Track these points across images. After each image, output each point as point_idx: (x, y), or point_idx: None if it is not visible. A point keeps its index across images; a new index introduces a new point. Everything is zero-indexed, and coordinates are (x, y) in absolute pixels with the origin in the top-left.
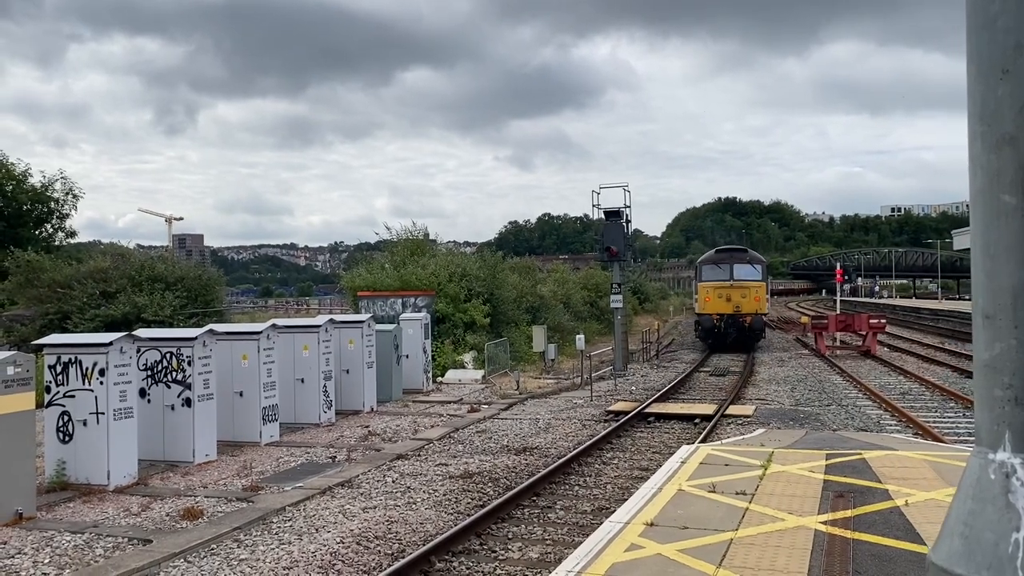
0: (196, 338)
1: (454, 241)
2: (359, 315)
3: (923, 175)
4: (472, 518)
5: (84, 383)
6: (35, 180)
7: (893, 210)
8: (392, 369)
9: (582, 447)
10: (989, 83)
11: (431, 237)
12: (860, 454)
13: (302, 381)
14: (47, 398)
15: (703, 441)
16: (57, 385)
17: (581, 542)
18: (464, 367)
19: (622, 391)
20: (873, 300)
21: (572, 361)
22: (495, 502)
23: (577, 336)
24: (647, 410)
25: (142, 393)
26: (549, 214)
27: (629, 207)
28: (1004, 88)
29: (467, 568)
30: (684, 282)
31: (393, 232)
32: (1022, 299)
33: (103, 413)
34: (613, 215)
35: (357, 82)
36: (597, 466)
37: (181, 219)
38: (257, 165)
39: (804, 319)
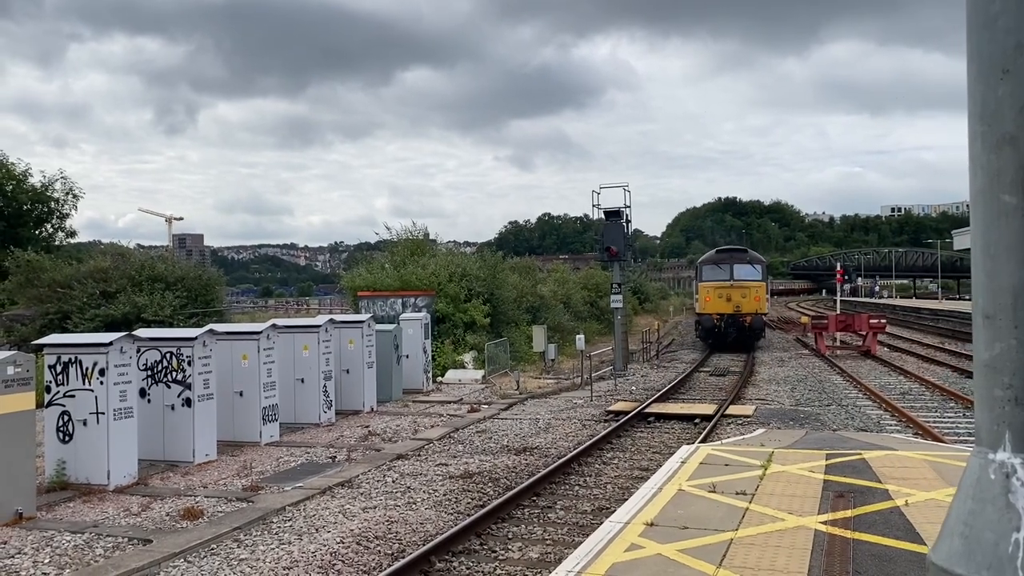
0: (196, 338)
1: (454, 241)
2: (359, 315)
3: (923, 175)
4: (472, 518)
5: (84, 383)
6: (35, 180)
7: (893, 210)
8: (392, 369)
9: (582, 447)
10: (989, 83)
11: (431, 237)
12: (860, 454)
13: (302, 381)
14: (47, 398)
15: (703, 441)
16: (57, 385)
17: (581, 542)
18: (464, 367)
19: (622, 391)
20: (873, 300)
21: (572, 361)
22: (495, 502)
23: (577, 336)
24: (647, 410)
25: (142, 393)
26: (549, 214)
27: (629, 207)
28: (1004, 88)
29: (467, 568)
30: (684, 282)
31: (393, 232)
32: (1022, 299)
33: (103, 413)
34: (613, 215)
35: (357, 82)
36: (597, 466)
37: (181, 219)
38: (257, 165)
39: (804, 319)
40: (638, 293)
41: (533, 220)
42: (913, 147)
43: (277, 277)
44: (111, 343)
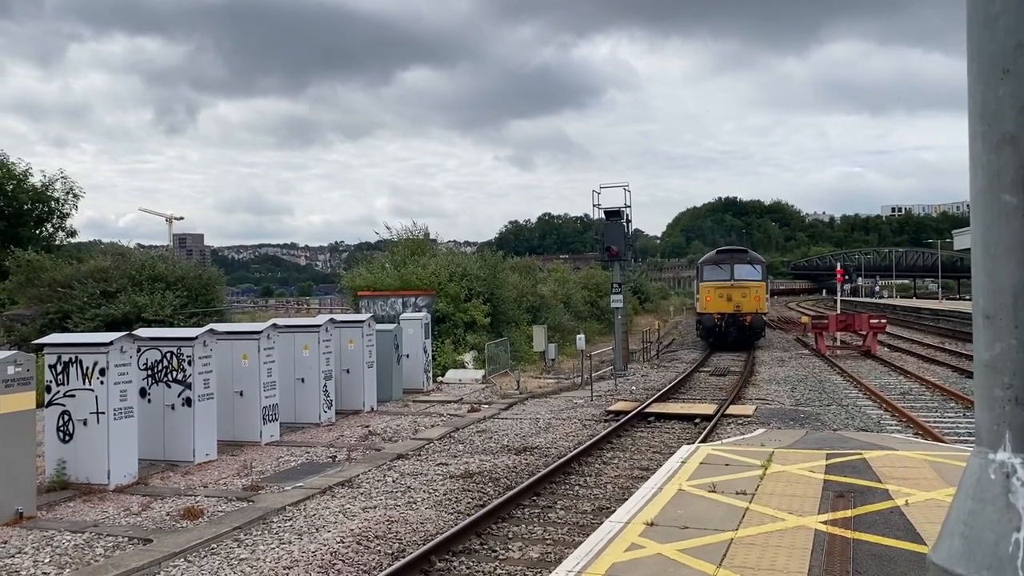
0: (196, 338)
1: (454, 241)
2: (359, 315)
3: (923, 175)
4: (472, 518)
5: (84, 383)
6: (35, 180)
7: (893, 210)
8: (392, 369)
9: (582, 447)
10: (990, 83)
11: (431, 237)
12: (860, 454)
13: (302, 381)
14: (47, 397)
15: (703, 441)
16: (57, 384)
17: (581, 542)
18: (464, 367)
19: (622, 391)
20: (873, 300)
21: (572, 361)
22: (495, 502)
23: (577, 336)
24: (647, 410)
25: (142, 393)
26: (549, 214)
27: (629, 207)
28: (1005, 88)
29: (467, 568)
30: (684, 282)
31: (393, 232)
32: (1022, 299)
33: (103, 413)
34: (613, 215)
35: (357, 82)
36: (597, 466)
37: (181, 219)
38: (257, 165)
39: (804, 319)
40: (638, 293)
41: (533, 220)
42: (913, 147)
43: (277, 277)
44: (111, 343)
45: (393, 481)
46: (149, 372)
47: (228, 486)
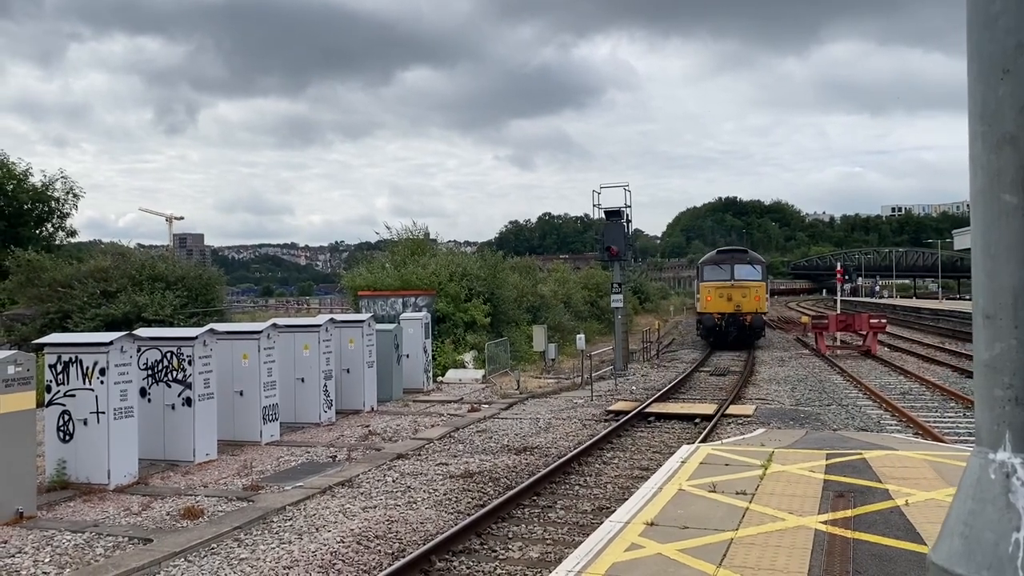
0: (196, 337)
1: (455, 240)
2: (359, 314)
3: (923, 175)
4: (472, 517)
5: (85, 382)
6: (36, 179)
7: (893, 210)
8: (392, 369)
9: (582, 447)
10: (990, 83)
11: (431, 236)
12: (860, 454)
13: (302, 380)
14: (47, 397)
15: (703, 441)
16: (58, 384)
17: (581, 542)
18: (464, 367)
19: (622, 391)
20: (873, 300)
21: (572, 361)
22: (495, 502)
23: (577, 336)
24: (647, 410)
25: (142, 392)
26: (549, 214)
27: (629, 207)
28: (1005, 88)
29: (467, 568)
30: (684, 282)
31: (393, 231)
32: (1022, 299)
33: (103, 412)
34: (613, 215)
35: (357, 81)
36: (597, 466)
37: (182, 218)
38: (258, 164)
39: (804, 319)
40: (638, 293)
41: (533, 220)
42: (913, 147)
43: (277, 276)
44: (111, 342)
45: (393, 481)
46: (149, 372)
47: (228, 486)
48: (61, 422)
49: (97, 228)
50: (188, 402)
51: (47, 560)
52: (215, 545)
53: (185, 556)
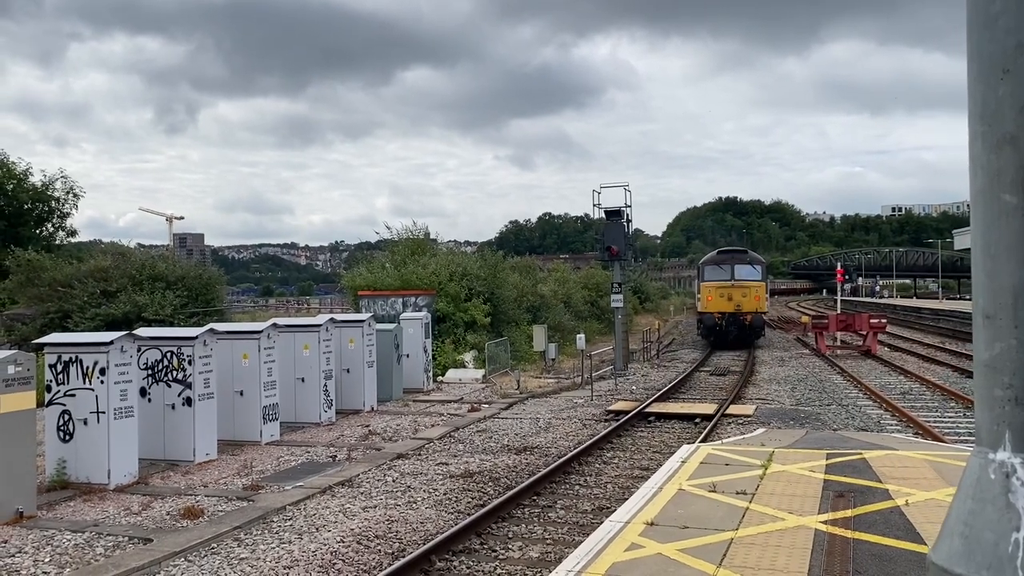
0: (197, 337)
1: (455, 240)
2: (359, 314)
3: (924, 175)
4: (472, 517)
5: (85, 382)
6: (36, 179)
7: (894, 210)
8: (392, 368)
9: (582, 446)
10: (990, 83)
11: (432, 236)
12: (860, 454)
13: (302, 380)
14: (48, 397)
15: (703, 441)
16: (58, 384)
17: (581, 541)
18: (464, 366)
19: (622, 390)
20: (874, 300)
21: (572, 360)
22: (495, 501)
23: (577, 335)
24: (647, 410)
25: (143, 392)
26: (550, 213)
27: (630, 207)
28: (1005, 88)
29: (467, 567)
30: (685, 281)
31: (394, 231)
32: (1022, 299)
33: (103, 412)
34: (614, 214)
35: (357, 81)
36: (597, 465)
37: (182, 218)
38: (258, 164)
39: (805, 319)
40: (639, 293)
41: (533, 220)
42: (913, 147)
43: (278, 276)
44: (112, 342)
45: (393, 481)
46: (149, 372)
47: (228, 486)
48: (61, 422)
49: (97, 228)
50: (188, 402)
51: (47, 560)
52: (215, 545)
53: (185, 556)
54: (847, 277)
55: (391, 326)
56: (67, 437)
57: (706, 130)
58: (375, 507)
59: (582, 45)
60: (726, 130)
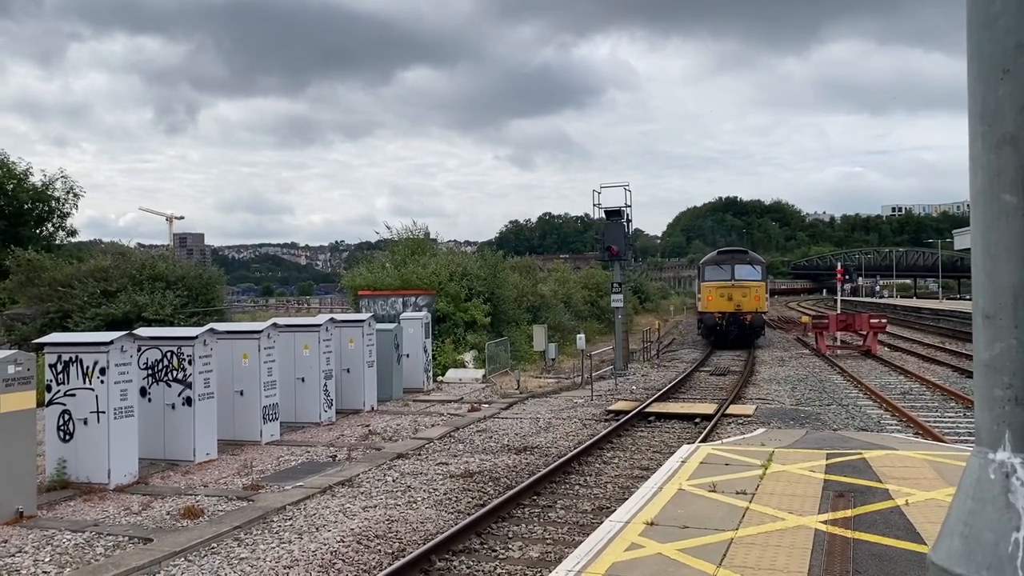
0: (197, 337)
1: (455, 240)
2: (360, 314)
3: (924, 175)
4: (472, 517)
5: (85, 382)
6: (36, 179)
7: (894, 210)
8: (393, 368)
9: (582, 446)
10: (990, 83)
11: (432, 236)
12: (860, 454)
13: (303, 380)
14: (48, 397)
15: (703, 440)
16: (58, 384)
17: (581, 541)
18: (465, 366)
19: (622, 390)
20: (874, 300)
21: (573, 360)
22: (495, 501)
23: (578, 335)
24: (647, 409)
25: (143, 392)
26: (550, 213)
27: (630, 206)
28: (1005, 88)
29: (467, 567)
30: (685, 281)
31: (394, 231)
32: (1022, 299)
33: (104, 412)
34: (614, 214)
35: (357, 81)
36: (597, 465)
37: (182, 218)
38: (258, 164)
39: (805, 319)
40: (639, 292)
41: (534, 219)
42: (913, 147)
43: (278, 276)
44: (112, 342)
45: (393, 480)
46: (149, 371)
47: (228, 485)
48: (61, 421)
49: (97, 228)
50: (188, 402)
51: (47, 559)
52: (215, 545)
53: (185, 556)
54: (847, 277)
55: (391, 326)
56: (67, 437)
57: (706, 130)
58: (375, 507)
59: (582, 45)
60: (726, 130)
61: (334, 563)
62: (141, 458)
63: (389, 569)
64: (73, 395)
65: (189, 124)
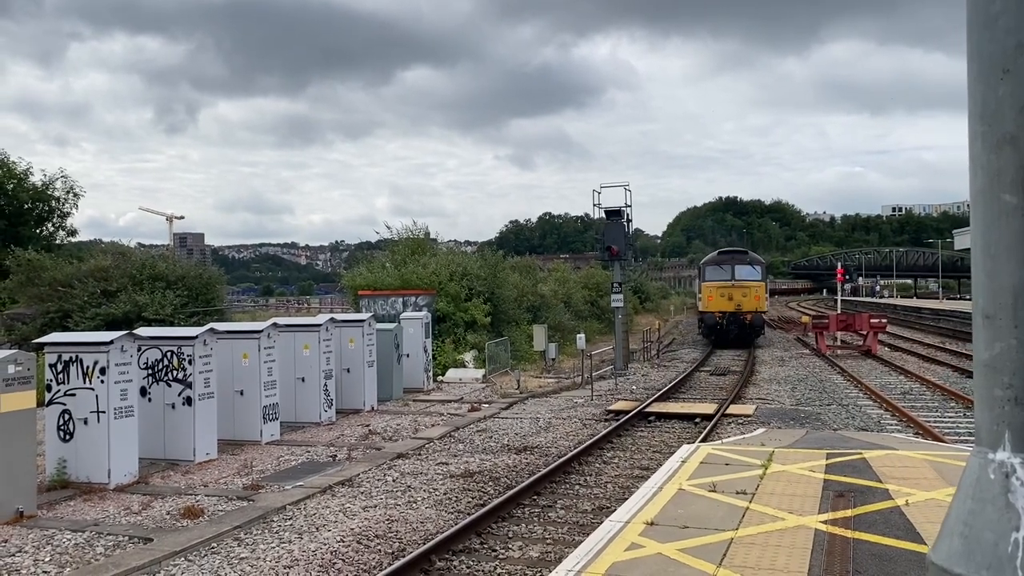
0: (197, 337)
1: (455, 240)
2: (360, 314)
3: (924, 175)
4: (472, 517)
5: (85, 382)
6: (36, 179)
7: (894, 210)
8: (393, 368)
9: (583, 446)
10: (990, 83)
11: (432, 236)
12: (860, 454)
13: (303, 380)
14: (48, 396)
15: (703, 440)
16: (58, 384)
17: (581, 541)
18: (465, 366)
19: (623, 390)
20: (874, 300)
21: (573, 360)
22: (495, 501)
23: (578, 335)
24: (648, 409)
25: (143, 392)
26: (550, 213)
27: (630, 206)
28: (1005, 88)
29: (467, 567)
30: (685, 281)
31: (394, 231)
32: (1022, 299)
33: (104, 412)
34: (614, 214)
35: (358, 81)
36: (597, 465)
37: (182, 218)
38: (258, 164)
39: (805, 319)
40: (639, 292)
41: (534, 219)
42: (914, 147)
43: (278, 276)
44: (112, 342)
45: (393, 480)
46: (149, 371)
47: (228, 485)
48: (61, 421)
49: (97, 227)
50: (188, 401)
51: (47, 559)
52: (215, 544)
53: (185, 555)
54: (847, 277)
55: (391, 326)
56: (67, 436)
57: (706, 130)
58: (375, 507)
59: (582, 45)
60: (726, 130)
61: (334, 563)
62: (141, 458)
63: (389, 569)
64: (73, 395)
65: (189, 124)
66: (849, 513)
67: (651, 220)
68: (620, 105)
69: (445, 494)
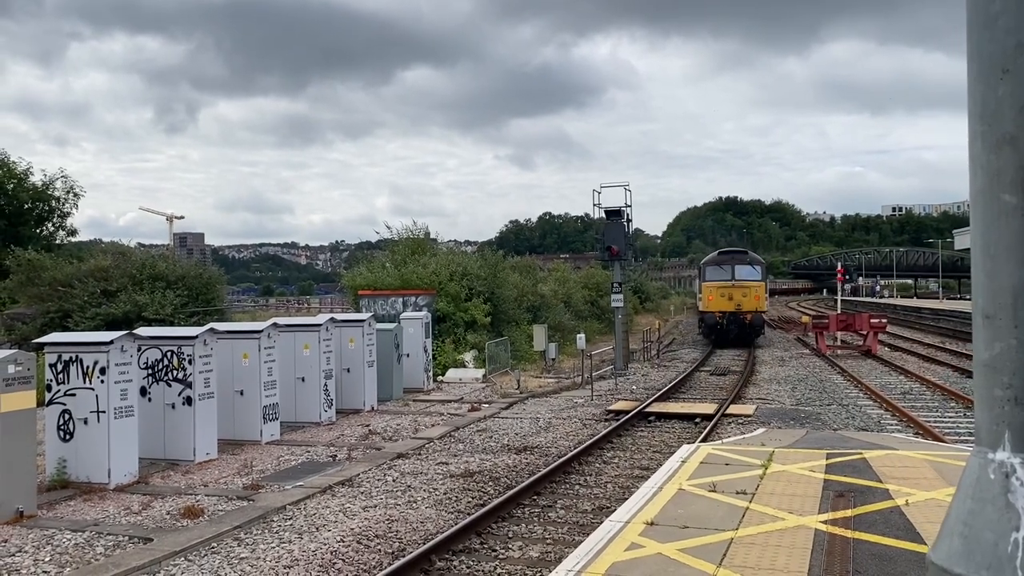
0: (197, 337)
1: (455, 240)
2: (360, 314)
3: (924, 175)
4: (472, 517)
5: (85, 381)
6: (36, 179)
7: (894, 210)
8: (393, 368)
9: (583, 446)
10: (989, 83)
11: (432, 236)
12: (861, 454)
13: (303, 380)
14: (48, 396)
15: (704, 440)
16: (58, 383)
17: (581, 541)
18: (465, 366)
19: (623, 390)
20: (874, 300)
21: (573, 360)
22: (495, 501)
23: (578, 335)
24: (648, 409)
25: (143, 392)
26: (550, 213)
27: (630, 206)
28: (1005, 88)
29: (467, 567)
30: (685, 281)
31: (394, 231)
32: (1022, 299)
33: (104, 411)
34: (614, 214)
35: (358, 81)
36: (598, 465)
37: (182, 218)
38: (258, 164)
39: (805, 319)
40: (639, 292)
41: (534, 219)
42: (914, 147)
43: (278, 276)
44: (112, 342)
45: (393, 480)
46: (149, 371)
47: (228, 485)
48: (61, 421)
49: (97, 227)
50: (188, 401)
51: (47, 559)
52: (215, 544)
53: (185, 555)
54: (847, 277)
55: (391, 326)
56: (67, 436)
57: (706, 130)
58: (375, 507)
59: (582, 45)
60: (726, 130)
61: (334, 563)
62: (141, 458)
63: (389, 569)
64: (73, 395)
65: (189, 124)
66: (849, 513)
67: (651, 220)
68: (620, 105)
69: (445, 494)
